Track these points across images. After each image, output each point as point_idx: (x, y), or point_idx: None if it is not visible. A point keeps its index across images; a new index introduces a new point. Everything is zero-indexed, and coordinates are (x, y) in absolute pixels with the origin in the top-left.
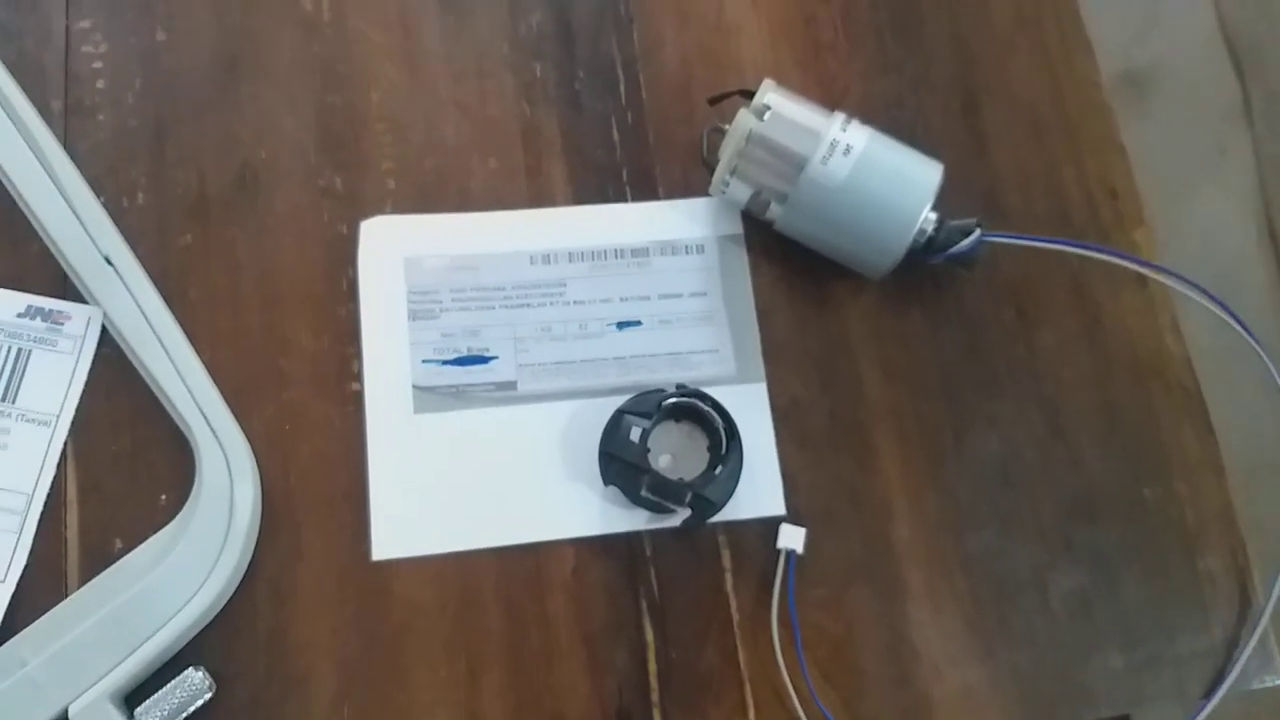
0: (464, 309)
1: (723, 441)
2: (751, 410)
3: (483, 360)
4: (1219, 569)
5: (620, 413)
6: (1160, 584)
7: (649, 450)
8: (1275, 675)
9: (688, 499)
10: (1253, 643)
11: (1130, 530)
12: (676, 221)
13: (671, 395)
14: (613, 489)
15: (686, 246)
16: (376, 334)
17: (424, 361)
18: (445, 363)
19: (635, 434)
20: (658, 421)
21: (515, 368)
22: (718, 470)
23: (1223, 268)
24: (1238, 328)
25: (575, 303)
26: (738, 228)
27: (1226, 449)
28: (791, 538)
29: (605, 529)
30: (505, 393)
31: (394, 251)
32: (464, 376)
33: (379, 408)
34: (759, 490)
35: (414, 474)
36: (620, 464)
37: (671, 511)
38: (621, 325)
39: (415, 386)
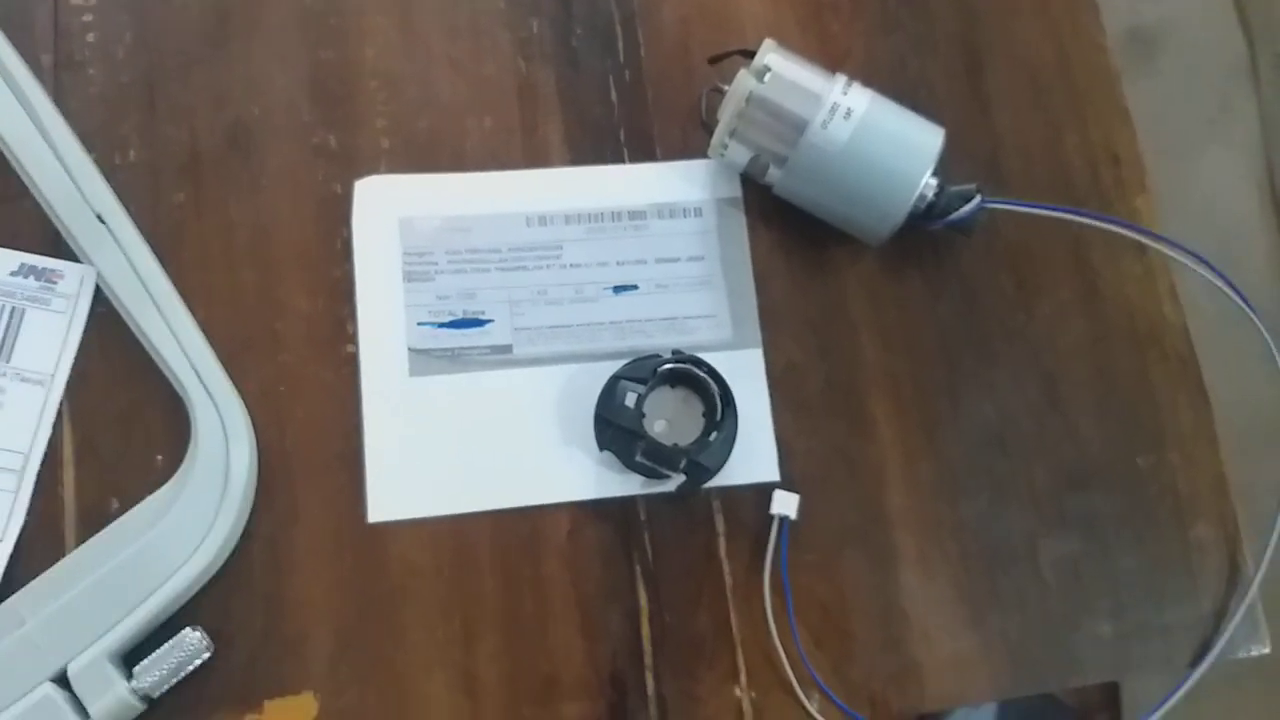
0: (459, 271)
1: (718, 407)
2: (747, 376)
3: (478, 323)
4: (1210, 539)
5: (616, 378)
6: (1151, 553)
7: (644, 415)
8: (1262, 645)
9: (682, 465)
10: (1241, 612)
11: (1123, 499)
12: (674, 184)
13: (667, 361)
14: (608, 454)
15: (684, 209)
16: (371, 296)
17: (419, 324)
18: (440, 325)
19: (630, 399)
20: (653, 387)
21: (511, 331)
22: (712, 436)
23: (1224, 234)
24: (1235, 297)
25: (571, 266)
26: (736, 191)
27: (1221, 418)
28: (785, 504)
29: (600, 494)
30: (501, 356)
31: (389, 212)
32: (459, 339)
33: (374, 370)
34: (754, 456)
35: (409, 437)
36: (615, 429)
37: (666, 477)
38: (618, 289)
39: (410, 349)
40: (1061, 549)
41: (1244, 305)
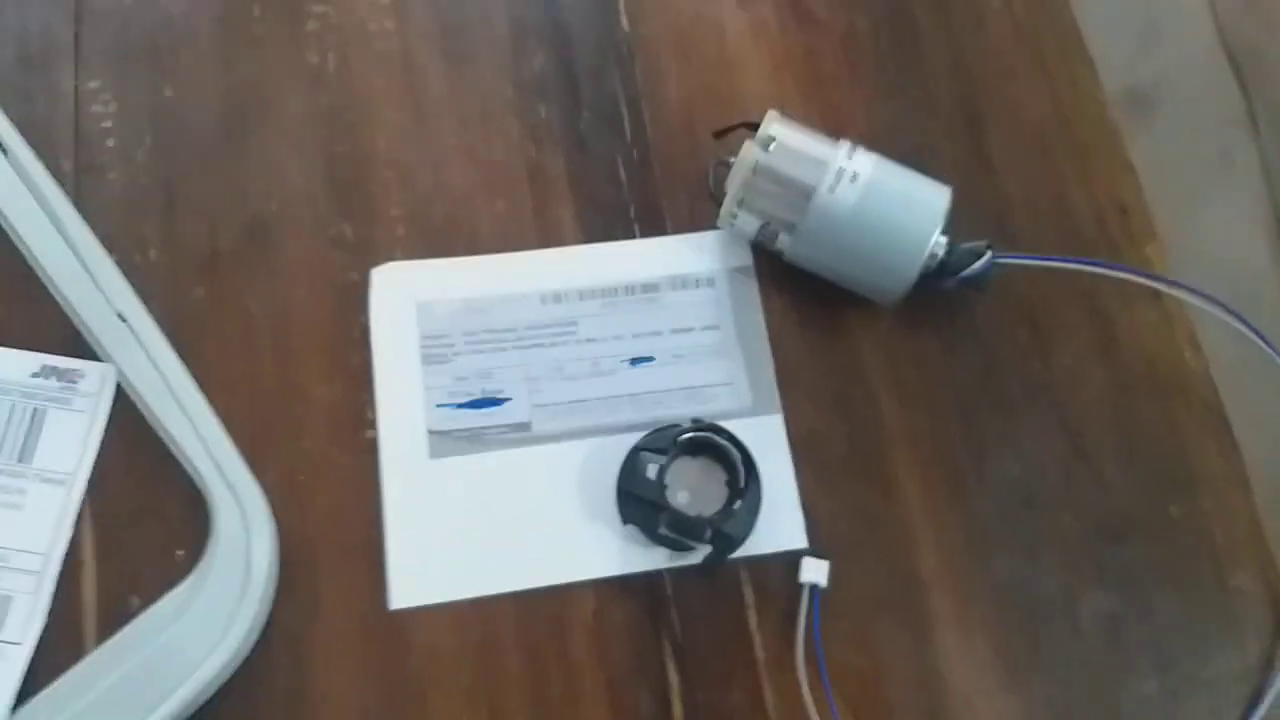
0: (477, 351)
1: (741, 475)
2: (769, 442)
3: (497, 402)
4: (1250, 586)
5: (636, 450)
6: (1192, 604)
7: (666, 487)
8: None
9: (707, 535)
10: None
11: (1158, 550)
12: (685, 255)
13: (687, 430)
14: (632, 528)
15: (696, 280)
16: (390, 379)
17: (438, 406)
18: (459, 406)
19: (652, 471)
20: (674, 457)
21: (530, 408)
22: (736, 505)
23: (1237, 280)
24: (1255, 339)
25: (587, 340)
26: (747, 259)
27: (1251, 464)
28: (814, 571)
29: (625, 569)
30: (520, 434)
31: (406, 297)
32: (478, 419)
33: (394, 454)
34: (779, 524)
35: (431, 520)
36: (638, 502)
37: (691, 549)
38: (635, 361)
39: (430, 431)
40: (1100, 604)
41: (1265, 345)
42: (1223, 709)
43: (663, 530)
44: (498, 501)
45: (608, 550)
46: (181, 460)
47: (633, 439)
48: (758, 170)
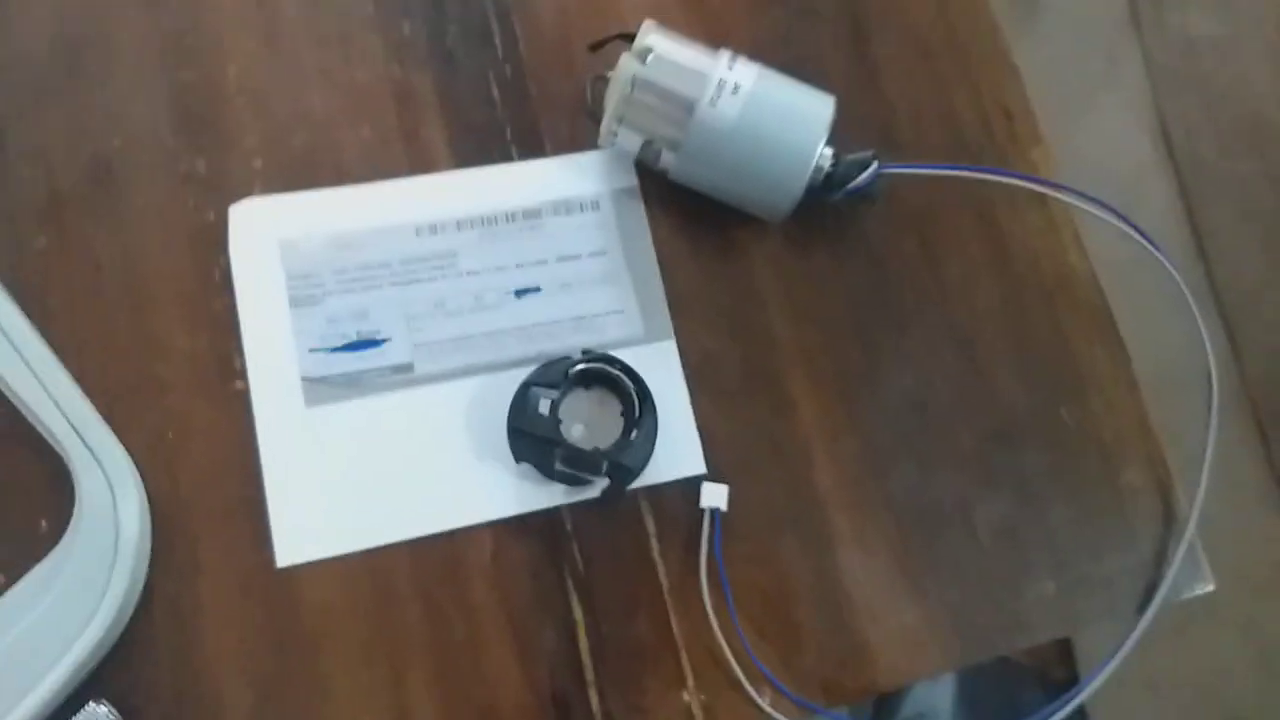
0: (349, 290)
1: (635, 405)
2: (663, 369)
3: (374, 344)
4: (1141, 483)
5: (526, 385)
6: (1084, 504)
7: (560, 422)
8: (1205, 583)
9: (605, 468)
10: (1180, 553)
11: (1050, 453)
12: (567, 178)
13: (578, 362)
14: (526, 466)
15: (580, 204)
16: (256, 325)
17: (311, 350)
18: (334, 350)
19: (544, 406)
20: (566, 391)
21: (410, 348)
22: (633, 435)
23: (1123, 181)
24: (1140, 239)
25: (468, 273)
26: (632, 180)
27: (1138, 363)
28: (714, 495)
29: (522, 509)
30: (402, 375)
31: (268, 235)
32: (356, 363)
33: (267, 404)
34: (677, 451)
35: (312, 472)
36: (531, 439)
37: (589, 483)
38: (520, 293)
39: (304, 378)
40: (995, 511)
41: (1149, 245)
42: (1120, 605)
43: (559, 466)
44: (382, 448)
45: (503, 491)
46: (37, 426)
47: (522, 374)
48: (635, 84)
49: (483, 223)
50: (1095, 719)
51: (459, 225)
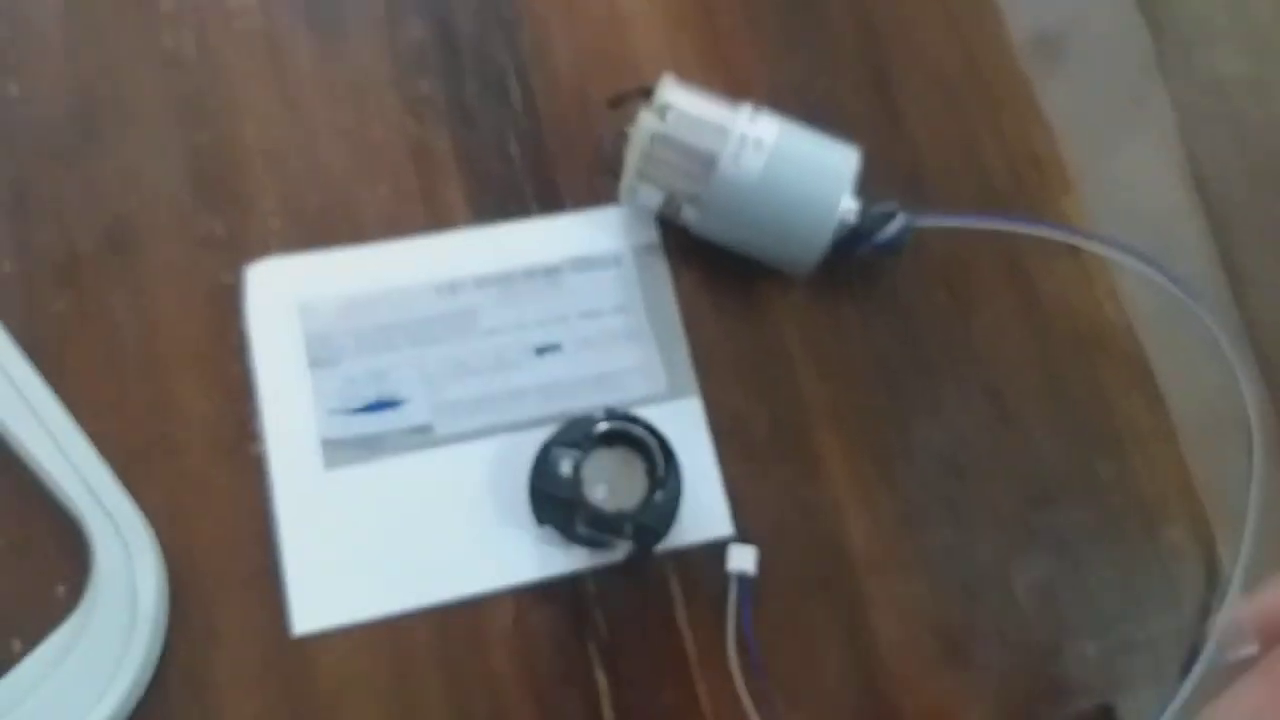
0: (368, 352)
1: (659, 464)
2: (687, 427)
3: (394, 405)
4: (1183, 540)
5: (548, 445)
6: (1125, 563)
7: (582, 482)
8: (1250, 645)
9: (628, 530)
10: (1224, 614)
11: (1089, 511)
12: (588, 234)
13: (600, 421)
14: (548, 528)
15: (601, 260)
16: (275, 387)
17: (330, 412)
18: (354, 411)
19: (566, 467)
20: (589, 451)
21: (430, 409)
22: (657, 496)
23: (1154, 225)
24: (1174, 289)
25: (488, 332)
26: (653, 235)
27: (1176, 414)
28: (742, 558)
29: (543, 572)
30: (422, 437)
31: (286, 296)
32: (375, 424)
33: (285, 467)
34: (703, 511)
35: (330, 536)
36: (553, 500)
37: (613, 546)
38: (541, 351)
39: (324, 440)
40: (1034, 570)
41: (1182, 295)
42: (1163, 667)
43: (581, 529)
44: (402, 511)
45: (524, 554)
46: (53, 489)
47: (543, 434)
48: (655, 140)
49: (502, 280)
50: None
51: (478, 283)
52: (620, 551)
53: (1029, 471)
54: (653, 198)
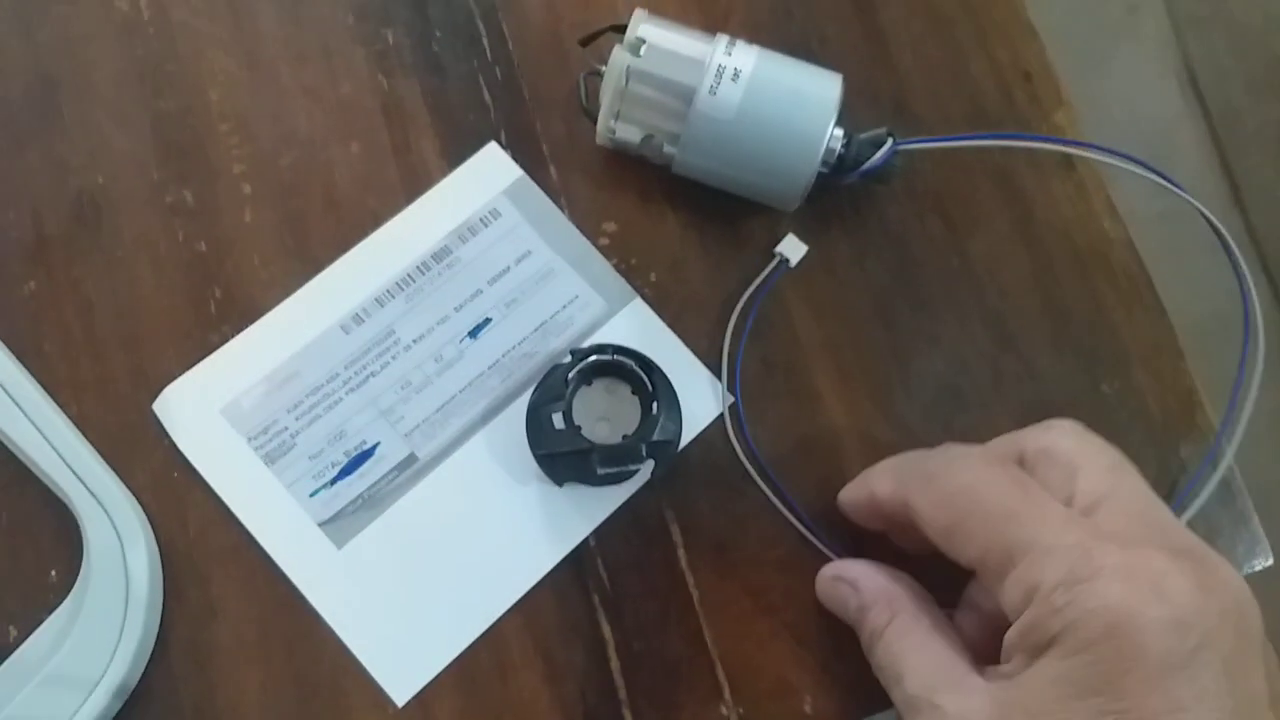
0: (312, 420)
1: (642, 378)
2: (645, 329)
3: (368, 454)
4: (1191, 457)
5: (531, 410)
6: None
7: (579, 428)
8: (1264, 558)
9: (644, 452)
10: (1237, 528)
11: (1095, 431)
12: (456, 200)
13: (568, 366)
14: (570, 486)
15: (480, 219)
16: (245, 503)
17: (311, 496)
18: (333, 482)
19: (558, 421)
20: (572, 395)
21: (402, 440)
22: (654, 407)
23: (1152, 134)
24: (1176, 192)
25: (415, 341)
26: (512, 169)
27: (1180, 326)
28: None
29: (592, 528)
30: (411, 469)
31: (203, 412)
32: (360, 482)
33: (300, 566)
34: (700, 396)
35: (374, 606)
36: (561, 458)
37: (635, 471)
38: (474, 332)
39: (321, 524)
40: None
41: (1187, 198)
42: None
43: (600, 471)
44: (428, 551)
45: (563, 522)
46: (39, 474)
47: (522, 404)
48: (630, 77)
49: (400, 286)
50: None
51: (379, 301)
52: (645, 474)
53: (1032, 396)
54: (631, 135)
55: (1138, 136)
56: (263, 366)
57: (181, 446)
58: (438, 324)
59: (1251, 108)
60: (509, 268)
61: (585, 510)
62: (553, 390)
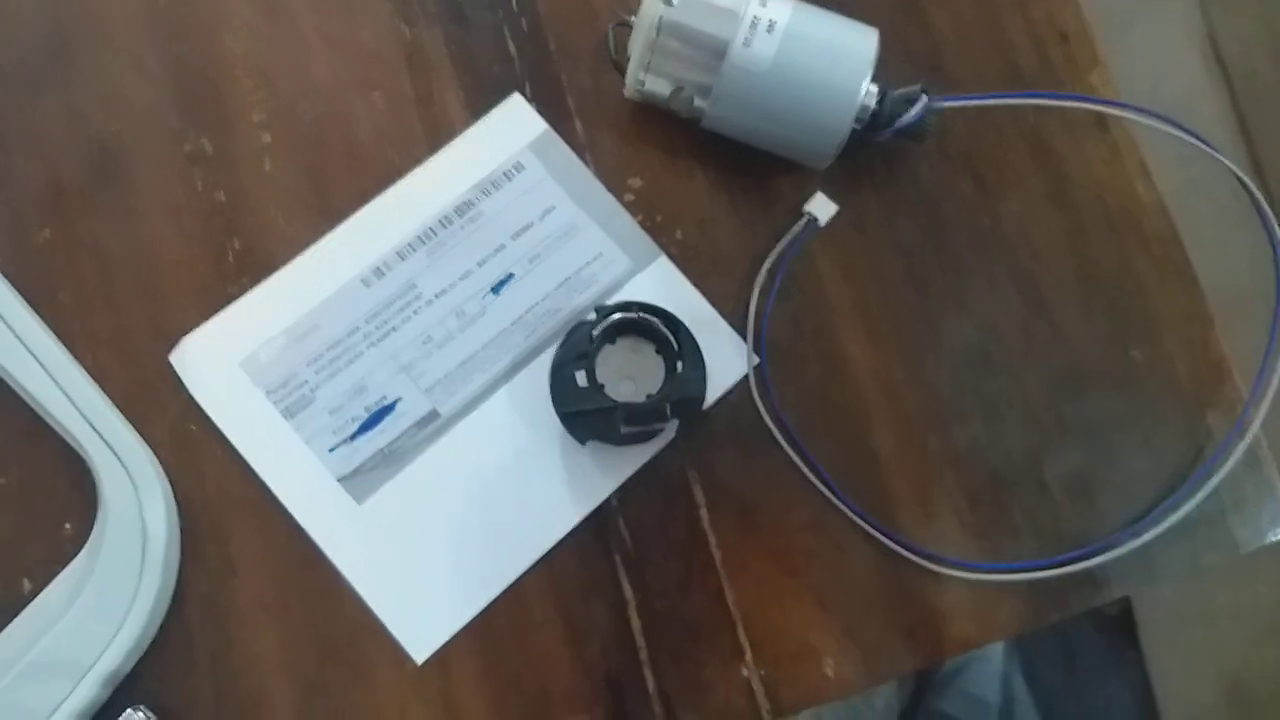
0: (332, 374)
1: (668, 335)
2: (670, 286)
3: (388, 409)
4: (1218, 425)
5: (555, 368)
6: (1160, 451)
7: (603, 386)
8: None
9: (668, 411)
10: (1262, 498)
11: (1124, 398)
12: (479, 153)
13: (593, 323)
14: (594, 444)
15: (505, 172)
16: (264, 457)
17: (330, 451)
18: (353, 437)
19: (581, 379)
20: (595, 355)
21: (424, 395)
22: (679, 366)
23: (1175, 99)
24: (1214, 155)
25: (436, 296)
26: (538, 123)
27: (1211, 290)
28: (821, 204)
29: (615, 485)
30: (431, 426)
31: (225, 363)
32: (381, 437)
33: (319, 522)
34: (722, 353)
35: (395, 562)
36: (585, 416)
37: (660, 430)
38: (496, 288)
39: (340, 480)
40: (1067, 462)
41: (1224, 161)
42: (1201, 554)
43: (624, 429)
44: (449, 505)
45: (586, 480)
46: (55, 426)
47: (545, 363)
48: (662, 28)
49: (423, 239)
50: (1151, 651)
51: (401, 254)
52: (671, 433)
53: (1061, 361)
54: (660, 89)
55: (1163, 102)
56: (282, 319)
57: (199, 399)
58: (460, 279)
59: (1276, 76)
60: (532, 223)
61: (608, 469)
62: (576, 348)
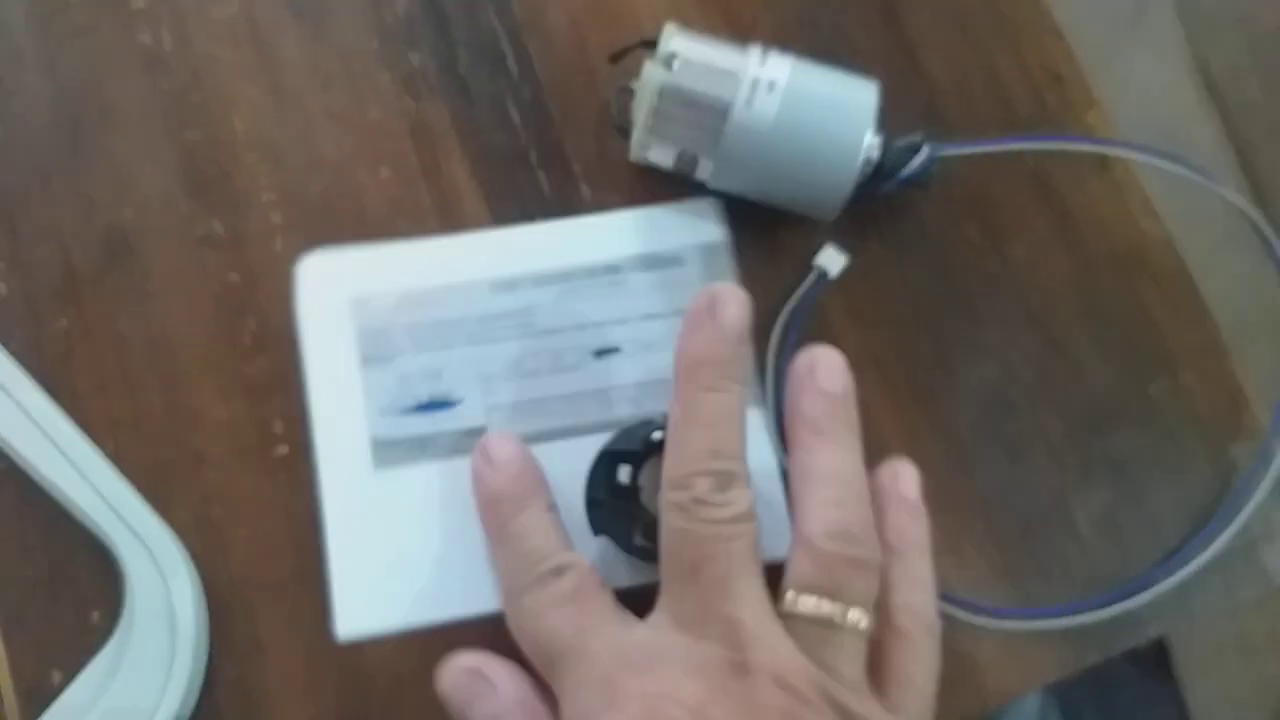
0: (422, 350)
1: None
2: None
3: (447, 405)
4: (1241, 457)
5: (605, 453)
6: (1186, 485)
7: (641, 490)
8: None
9: None
10: None
11: (1145, 434)
12: (651, 231)
13: (660, 428)
14: (603, 539)
15: (664, 259)
16: (325, 384)
17: (381, 411)
18: (406, 411)
19: (624, 474)
20: (647, 459)
21: (484, 411)
22: None
23: (1169, 132)
24: (1215, 189)
25: (546, 332)
26: (718, 233)
27: (1223, 321)
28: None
29: None
30: (474, 439)
31: (338, 291)
32: (427, 425)
33: (334, 464)
34: (769, 520)
35: (377, 537)
36: (610, 510)
37: None
38: (600, 353)
39: (374, 439)
40: (1094, 502)
41: (1227, 194)
42: (1236, 589)
43: (638, 540)
44: (452, 516)
45: None
46: (78, 515)
47: (599, 441)
48: (663, 93)
49: (561, 279)
50: (1189, 683)
51: (536, 281)
52: None
53: (1080, 399)
54: (665, 154)
55: (1157, 136)
56: (407, 280)
57: (299, 307)
58: (574, 328)
59: (1269, 105)
60: (663, 314)
61: (608, 569)
62: (631, 444)
